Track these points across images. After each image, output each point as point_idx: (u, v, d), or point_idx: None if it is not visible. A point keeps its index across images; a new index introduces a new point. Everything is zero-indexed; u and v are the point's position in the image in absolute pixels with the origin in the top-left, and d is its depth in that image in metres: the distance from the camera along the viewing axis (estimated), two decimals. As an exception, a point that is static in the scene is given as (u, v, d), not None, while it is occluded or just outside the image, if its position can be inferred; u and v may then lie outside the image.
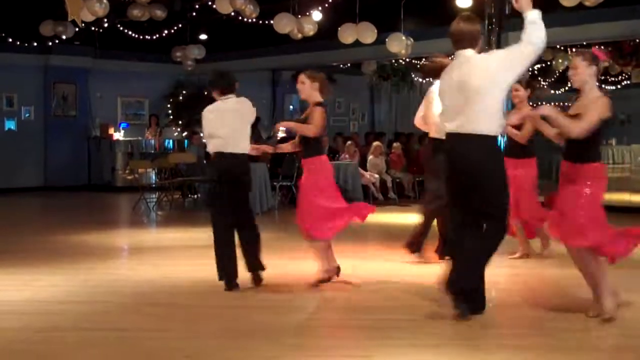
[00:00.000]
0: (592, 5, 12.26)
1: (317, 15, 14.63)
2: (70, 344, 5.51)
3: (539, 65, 19.70)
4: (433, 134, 8.42)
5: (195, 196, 15.85)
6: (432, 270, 8.25)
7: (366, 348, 5.34)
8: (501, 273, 8.31)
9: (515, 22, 14.48)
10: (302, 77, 7.51)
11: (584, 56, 6.05)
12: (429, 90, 8.55)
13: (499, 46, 14.88)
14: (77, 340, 5.57)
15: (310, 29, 14.41)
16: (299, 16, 14.43)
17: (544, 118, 6.22)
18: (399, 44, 14.72)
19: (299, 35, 14.60)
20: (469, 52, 6.03)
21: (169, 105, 20.93)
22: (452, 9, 14.88)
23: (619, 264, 6.14)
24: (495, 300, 6.62)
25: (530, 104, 8.85)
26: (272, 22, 14.50)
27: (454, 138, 5.98)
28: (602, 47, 17.99)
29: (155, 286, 7.44)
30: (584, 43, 15.46)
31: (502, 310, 6.48)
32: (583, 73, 6.01)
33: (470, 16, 6.23)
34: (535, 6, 5.74)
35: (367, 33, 14.43)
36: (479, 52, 6.09)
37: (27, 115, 19.42)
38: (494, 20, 14.83)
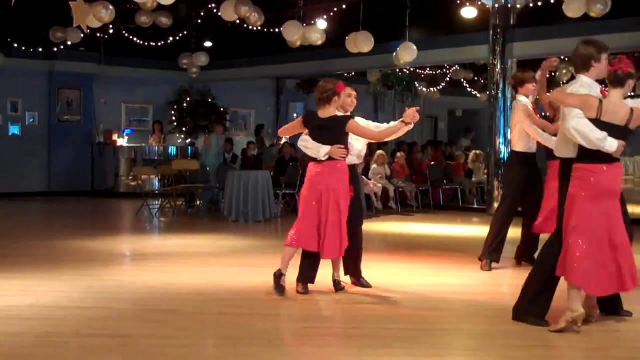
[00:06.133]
0: (597, 17, 12.28)
1: (322, 24, 14.65)
2: (72, 349, 5.50)
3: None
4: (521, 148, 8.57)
5: (199, 203, 15.87)
6: (434, 280, 8.26)
7: (367, 357, 5.33)
8: (508, 283, 8.31)
9: (520, 32, 14.63)
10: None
11: None
12: (521, 104, 8.58)
13: (503, 57, 14.96)
14: (79, 346, 5.56)
15: (317, 38, 14.40)
16: (304, 25, 14.44)
17: None
18: (411, 54, 14.72)
19: (298, 43, 14.58)
20: (580, 78, 6.11)
21: (173, 112, 20.97)
22: (457, 19, 14.96)
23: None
24: (504, 310, 6.60)
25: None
26: (277, 30, 14.52)
27: None
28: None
29: (157, 293, 7.43)
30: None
31: (509, 320, 6.39)
32: None
33: (588, 40, 6.21)
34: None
35: (364, 42, 14.43)
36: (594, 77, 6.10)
37: (31, 120, 19.45)
38: (499, 31, 14.89)
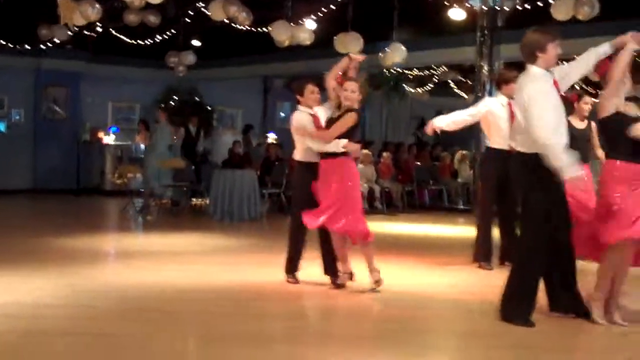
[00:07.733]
0: (585, 19, 12.30)
1: (310, 24, 14.63)
2: (56, 348, 5.47)
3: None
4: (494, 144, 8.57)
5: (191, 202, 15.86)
6: (420, 280, 8.28)
7: (353, 356, 5.33)
8: (495, 283, 8.32)
9: (507, 34, 14.64)
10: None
11: None
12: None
13: (490, 59, 14.96)
14: (63, 345, 5.53)
15: (306, 38, 14.38)
16: (293, 24, 14.41)
17: None
18: (400, 54, 14.70)
19: (286, 43, 14.56)
20: (529, 69, 6.09)
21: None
22: (444, 21, 14.96)
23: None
24: (490, 309, 6.62)
25: None
26: (265, 29, 14.50)
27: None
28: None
29: (141, 291, 7.41)
30: (575, 57, 15.51)
31: (496, 320, 6.38)
32: None
33: (537, 28, 6.17)
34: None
35: (352, 42, 14.40)
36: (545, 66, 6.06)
37: (17, 117, 19.38)
38: (486, 32, 14.89)
